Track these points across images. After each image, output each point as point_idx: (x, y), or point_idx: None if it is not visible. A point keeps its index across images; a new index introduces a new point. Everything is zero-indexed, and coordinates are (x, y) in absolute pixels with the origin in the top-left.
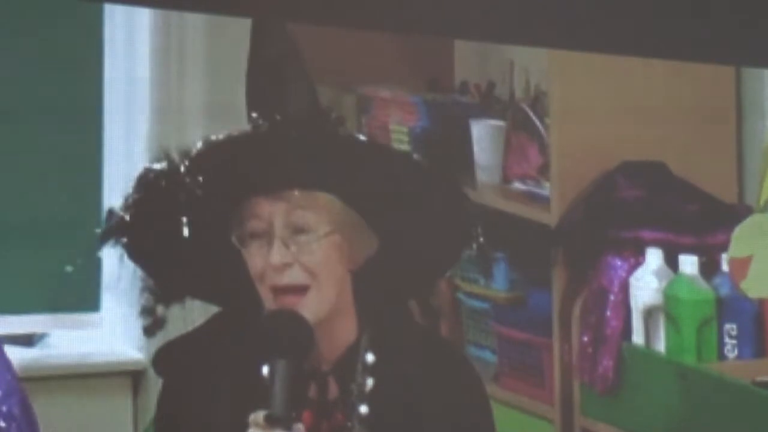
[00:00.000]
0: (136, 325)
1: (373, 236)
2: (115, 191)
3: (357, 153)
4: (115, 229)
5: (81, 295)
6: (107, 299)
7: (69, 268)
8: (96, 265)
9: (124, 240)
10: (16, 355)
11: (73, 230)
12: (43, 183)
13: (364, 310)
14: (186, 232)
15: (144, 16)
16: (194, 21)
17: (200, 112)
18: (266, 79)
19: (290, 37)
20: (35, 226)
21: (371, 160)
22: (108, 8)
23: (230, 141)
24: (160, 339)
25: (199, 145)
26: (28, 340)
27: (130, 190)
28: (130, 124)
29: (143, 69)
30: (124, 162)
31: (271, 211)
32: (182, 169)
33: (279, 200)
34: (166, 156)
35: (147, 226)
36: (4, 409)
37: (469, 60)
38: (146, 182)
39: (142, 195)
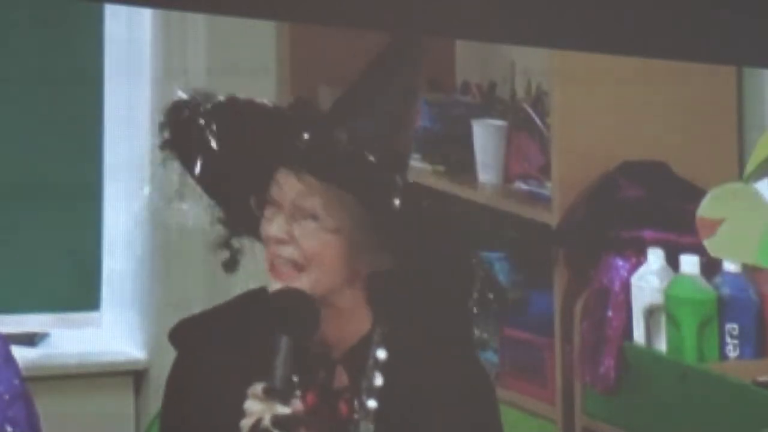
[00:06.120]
0: (136, 324)
1: (388, 255)
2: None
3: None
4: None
5: (82, 295)
6: (108, 299)
7: (70, 268)
8: (97, 265)
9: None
10: (18, 354)
11: (74, 229)
12: (42, 177)
13: (378, 309)
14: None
15: None
16: None
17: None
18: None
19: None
20: (35, 226)
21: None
22: None
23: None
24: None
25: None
26: (30, 340)
27: (208, 104)
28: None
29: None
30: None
31: (291, 186)
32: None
33: (301, 181)
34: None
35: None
36: (11, 414)
37: (471, 60)
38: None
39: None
